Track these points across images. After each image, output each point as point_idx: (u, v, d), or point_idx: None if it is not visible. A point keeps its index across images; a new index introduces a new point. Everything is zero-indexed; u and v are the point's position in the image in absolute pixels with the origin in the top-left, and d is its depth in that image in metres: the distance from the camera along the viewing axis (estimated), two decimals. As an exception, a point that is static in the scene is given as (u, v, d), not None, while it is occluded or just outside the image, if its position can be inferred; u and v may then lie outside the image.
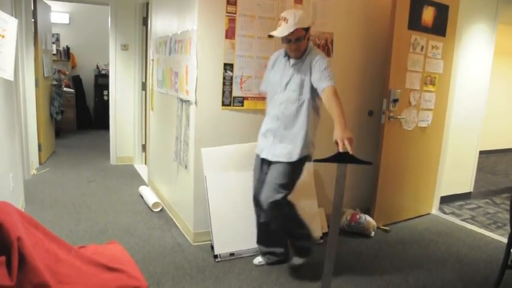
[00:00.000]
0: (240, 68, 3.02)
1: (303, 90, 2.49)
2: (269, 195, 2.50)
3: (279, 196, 2.49)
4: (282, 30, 2.38)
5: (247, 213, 3.04)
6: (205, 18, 2.88)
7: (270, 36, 2.47)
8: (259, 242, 2.88)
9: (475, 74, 4.42)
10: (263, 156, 2.64)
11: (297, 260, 2.77)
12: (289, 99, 2.51)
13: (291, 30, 2.35)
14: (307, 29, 2.45)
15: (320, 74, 2.39)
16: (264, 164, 2.67)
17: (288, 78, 2.52)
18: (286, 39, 2.42)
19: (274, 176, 2.53)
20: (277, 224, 2.67)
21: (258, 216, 2.80)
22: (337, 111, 2.23)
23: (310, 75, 2.45)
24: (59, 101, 5.83)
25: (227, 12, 2.92)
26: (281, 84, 2.54)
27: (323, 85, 2.37)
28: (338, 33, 3.42)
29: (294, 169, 2.54)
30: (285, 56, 2.57)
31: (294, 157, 2.51)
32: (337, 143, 2.11)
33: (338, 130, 2.14)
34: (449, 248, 3.37)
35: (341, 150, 2.08)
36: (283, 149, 2.54)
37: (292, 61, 2.53)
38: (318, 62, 2.42)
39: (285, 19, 2.37)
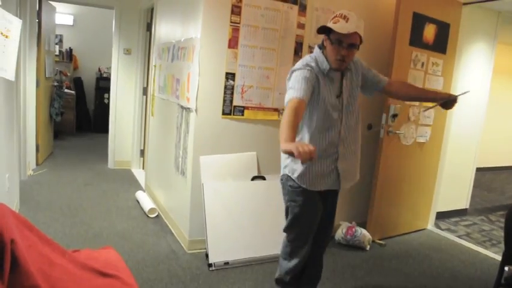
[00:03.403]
0: (241, 77, 3.04)
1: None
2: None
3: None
4: (345, 27, 1.95)
5: (243, 222, 3.04)
6: (209, 27, 2.90)
7: (323, 31, 2.05)
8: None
9: (473, 92, 4.45)
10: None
11: None
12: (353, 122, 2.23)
13: (354, 30, 1.97)
14: (361, 39, 2.05)
15: (371, 70, 2.29)
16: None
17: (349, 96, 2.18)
18: (338, 40, 2.00)
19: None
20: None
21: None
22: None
23: (361, 80, 2.23)
24: (59, 102, 5.83)
25: (231, 22, 2.94)
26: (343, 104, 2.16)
27: (384, 77, 2.29)
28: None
29: None
30: (329, 68, 2.09)
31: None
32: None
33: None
34: (443, 264, 3.36)
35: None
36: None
37: (340, 73, 2.13)
38: (360, 60, 2.26)
39: (344, 17, 1.96)
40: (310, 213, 2.22)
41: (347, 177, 2.22)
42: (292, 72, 2.07)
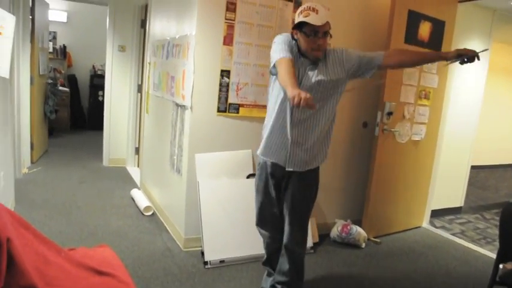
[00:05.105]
0: (236, 74, 3.03)
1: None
2: None
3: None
4: (318, 18, 2.03)
5: (239, 220, 3.04)
6: (204, 24, 2.89)
7: (300, 25, 2.08)
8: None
9: (468, 91, 4.47)
10: None
11: None
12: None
13: (326, 20, 2.06)
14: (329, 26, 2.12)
15: (360, 54, 2.25)
16: None
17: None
18: (314, 31, 2.06)
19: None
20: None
21: None
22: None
23: (351, 68, 2.22)
24: (53, 99, 5.79)
25: (226, 19, 2.94)
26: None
27: (379, 53, 2.25)
28: (335, 43, 3.43)
29: None
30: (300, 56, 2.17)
31: None
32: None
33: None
34: (438, 261, 3.38)
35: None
36: None
37: (309, 62, 2.17)
38: (346, 51, 2.23)
39: (313, 9, 2.04)
40: (262, 189, 2.36)
41: (295, 162, 2.24)
42: (276, 38, 2.19)
